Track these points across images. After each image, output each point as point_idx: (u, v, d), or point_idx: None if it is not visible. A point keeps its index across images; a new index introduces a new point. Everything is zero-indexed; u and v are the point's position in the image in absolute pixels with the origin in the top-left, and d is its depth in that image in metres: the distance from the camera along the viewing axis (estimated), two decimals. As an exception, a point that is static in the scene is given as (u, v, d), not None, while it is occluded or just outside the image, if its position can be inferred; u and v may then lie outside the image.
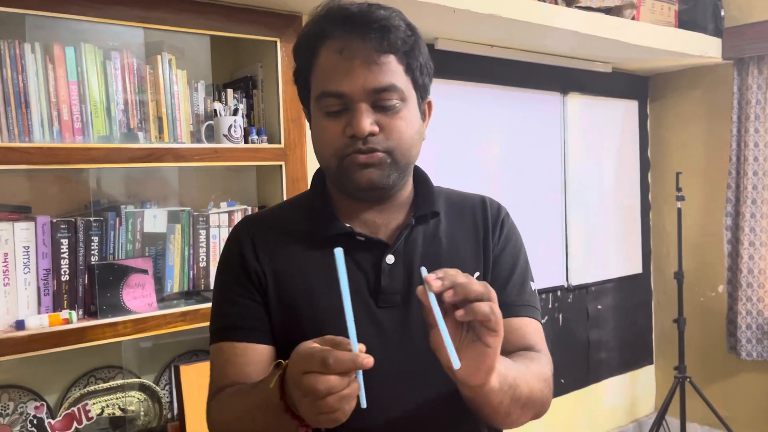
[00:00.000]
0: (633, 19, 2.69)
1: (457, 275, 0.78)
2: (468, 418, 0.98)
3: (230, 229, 1.91)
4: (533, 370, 0.93)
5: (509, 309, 1.01)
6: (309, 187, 1.08)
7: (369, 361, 0.72)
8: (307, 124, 1.98)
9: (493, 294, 0.78)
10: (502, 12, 2.09)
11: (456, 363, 0.74)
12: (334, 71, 0.91)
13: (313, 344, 0.76)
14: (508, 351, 0.96)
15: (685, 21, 2.93)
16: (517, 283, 1.03)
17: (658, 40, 2.73)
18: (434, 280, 0.77)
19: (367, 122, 0.91)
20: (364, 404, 0.74)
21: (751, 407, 3.11)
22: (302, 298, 0.96)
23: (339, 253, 0.77)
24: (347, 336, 0.75)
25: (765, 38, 2.85)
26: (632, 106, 3.34)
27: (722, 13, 2.99)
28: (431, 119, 1.04)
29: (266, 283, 0.98)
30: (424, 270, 0.80)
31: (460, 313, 0.77)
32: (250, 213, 1.95)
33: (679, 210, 3.02)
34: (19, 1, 1.52)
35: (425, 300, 0.77)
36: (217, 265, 1.07)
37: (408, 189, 1.04)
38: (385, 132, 0.92)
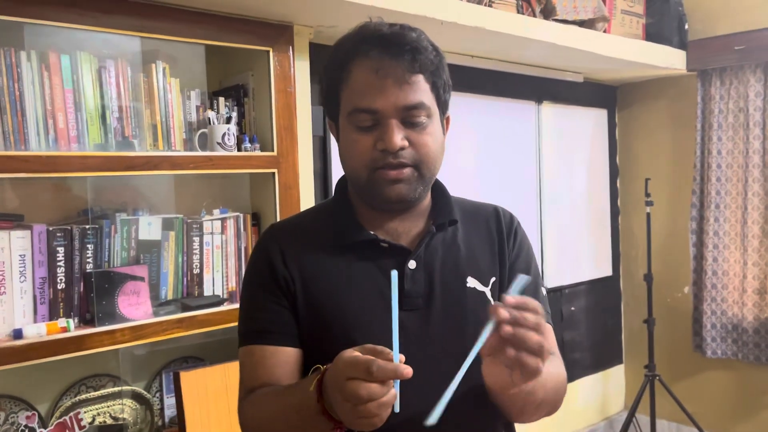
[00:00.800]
0: (605, 31, 2.80)
1: (527, 317, 0.81)
2: (488, 417, 1.03)
3: (223, 236, 1.93)
4: (551, 372, 0.98)
5: None
6: (332, 196, 1.13)
7: (409, 371, 0.77)
8: (300, 132, 2.02)
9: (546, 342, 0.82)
10: (487, 25, 2.16)
11: (433, 419, 0.77)
12: (368, 89, 0.96)
13: (356, 352, 0.80)
14: None
15: (652, 34, 3.06)
16: (531, 289, 1.08)
17: (628, 51, 2.84)
18: (505, 310, 0.81)
19: (399, 137, 0.96)
20: (397, 409, 0.80)
21: (716, 403, 3.25)
22: (330, 303, 1.00)
23: (394, 275, 0.82)
24: (378, 340, 0.80)
25: (727, 51, 2.99)
26: (602, 114, 3.46)
27: (686, 27, 3.13)
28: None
29: (294, 289, 1.01)
30: (522, 278, 0.86)
31: (511, 353, 0.82)
32: (243, 220, 1.97)
33: (648, 215, 3.14)
34: (16, 9, 1.52)
35: (498, 315, 0.81)
36: (245, 270, 1.10)
37: (427, 198, 1.09)
38: (414, 147, 0.98)
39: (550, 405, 1.01)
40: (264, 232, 1.10)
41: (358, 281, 1.01)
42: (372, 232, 1.04)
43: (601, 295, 3.48)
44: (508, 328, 0.80)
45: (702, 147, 3.15)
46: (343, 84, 1.00)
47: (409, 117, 0.97)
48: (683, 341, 3.31)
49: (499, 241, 1.10)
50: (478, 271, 1.06)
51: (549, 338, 1.08)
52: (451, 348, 0.99)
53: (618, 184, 3.58)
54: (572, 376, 3.30)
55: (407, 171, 0.98)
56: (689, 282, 3.24)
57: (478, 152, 2.83)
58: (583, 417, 3.38)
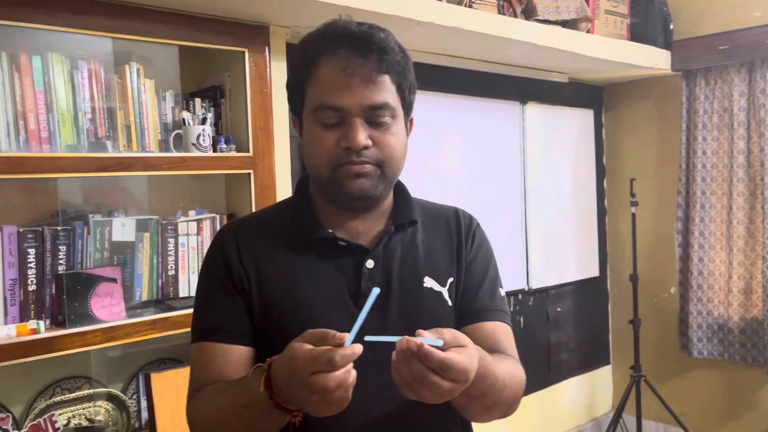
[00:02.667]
0: (588, 32, 2.80)
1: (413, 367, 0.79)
2: (444, 415, 1.03)
3: (199, 237, 1.93)
4: (506, 376, 0.98)
5: (482, 314, 1.07)
6: (292, 194, 1.12)
7: (360, 348, 0.78)
8: (277, 133, 2.02)
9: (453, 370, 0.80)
10: (464, 25, 2.16)
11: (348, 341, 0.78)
12: (335, 86, 0.97)
13: (305, 346, 0.80)
14: None
15: (637, 34, 3.06)
16: (488, 289, 1.10)
17: (612, 52, 2.84)
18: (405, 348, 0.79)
19: (363, 136, 0.96)
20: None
21: (702, 403, 3.25)
22: (286, 302, 1.00)
23: (375, 292, 0.81)
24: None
25: (711, 51, 2.99)
26: (588, 114, 3.46)
27: (671, 27, 3.13)
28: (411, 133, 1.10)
29: (250, 286, 1.01)
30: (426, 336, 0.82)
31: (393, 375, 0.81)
32: (219, 221, 1.97)
33: (633, 215, 3.14)
34: (-15, 10, 1.52)
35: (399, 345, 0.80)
36: (201, 265, 1.10)
37: (389, 198, 1.09)
38: (378, 146, 0.98)
39: (504, 407, 1.01)
40: (221, 229, 1.10)
41: (315, 280, 1.01)
42: (330, 231, 1.03)
43: (588, 295, 3.48)
44: (393, 356, 0.80)
45: (687, 147, 3.15)
46: (309, 79, 1.00)
47: (374, 117, 0.98)
48: (670, 341, 3.31)
49: (457, 242, 1.10)
50: (435, 271, 1.06)
51: (506, 338, 1.08)
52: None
53: (605, 185, 3.58)
54: (559, 377, 3.30)
55: (369, 167, 0.98)
56: (675, 282, 3.23)
57: (461, 153, 2.83)
58: (570, 418, 3.37)
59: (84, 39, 1.72)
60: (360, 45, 0.97)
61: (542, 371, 3.20)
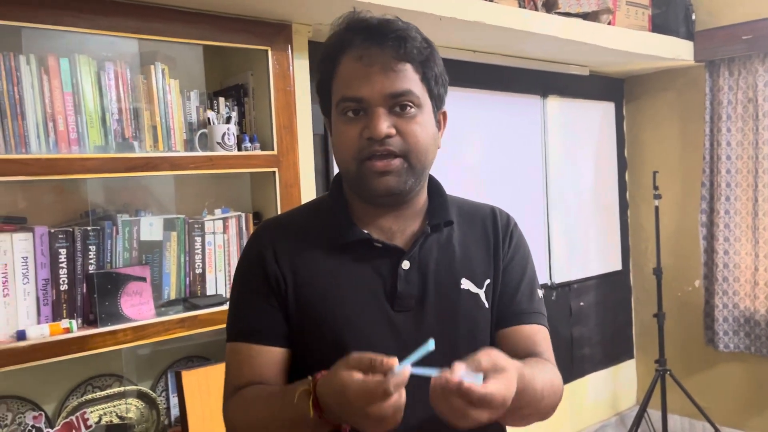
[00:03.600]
0: (609, 23, 2.77)
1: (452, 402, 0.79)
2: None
3: (224, 235, 1.94)
4: (544, 383, 0.97)
5: (520, 317, 1.06)
6: (327, 192, 1.12)
7: (409, 368, 0.78)
8: (300, 131, 2.02)
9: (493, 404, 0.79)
10: (486, 19, 2.15)
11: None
12: (354, 77, 0.96)
13: (354, 375, 0.79)
14: (518, 357, 0.99)
15: (658, 25, 3.03)
16: (526, 292, 1.08)
17: (633, 43, 2.81)
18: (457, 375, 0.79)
19: (384, 125, 0.95)
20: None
21: (729, 397, 3.21)
22: (321, 303, 1.00)
23: (431, 344, 0.80)
24: (368, 340, 0.82)
25: (734, 41, 2.95)
26: (609, 107, 3.43)
27: (693, 17, 3.09)
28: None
29: (285, 288, 1.01)
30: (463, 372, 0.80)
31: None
32: (244, 219, 1.98)
33: (657, 208, 3.11)
34: (15, 13, 1.54)
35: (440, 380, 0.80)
36: (236, 265, 1.10)
37: (423, 197, 1.08)
38: (402, 135, 0.96)
39: (541, 414, 1.00)
40: (257, 228, 1.10)
41: (351, 282, 1.00)
42: (366, 231, 1.02)
43: (611, 289, 3.45)
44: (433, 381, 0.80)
45: (711, 139, 3.11)
46: (333, 78, 1.00)
47: (396, 105, 0.96)
48: (695, 335, 3.28)
49: (494, 243, 1.09)
50: (472, 272, 1.05)
51: (544, 341, 1.07)
52: (443, 349, 0.98)
53: (626, 178, 3.55)
54: (582, 372, 3.28)
55: (396, 162, 0.96)
56: (700, 275, 3.20)
57: (483, 148, 2.82)
58: (594, 412, 3.35)
59: (110, 40, 1.73)
60: (377, 34, 0.96)
61: (565, 366, 3.19)
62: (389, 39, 0.95)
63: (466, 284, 1.04)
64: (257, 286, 1.02)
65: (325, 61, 1.01)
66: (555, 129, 3.11)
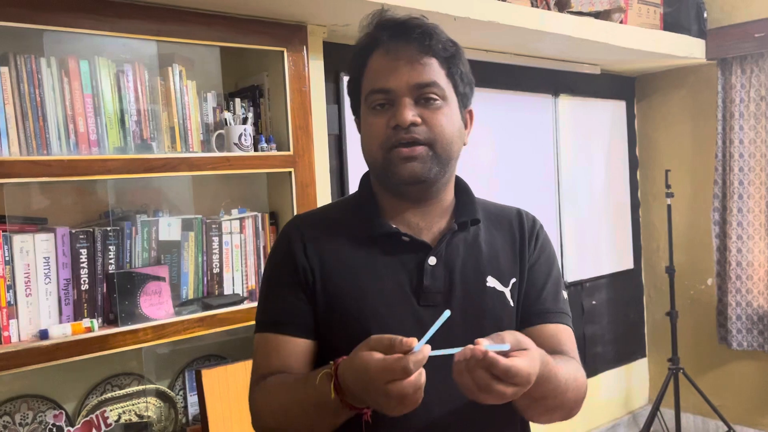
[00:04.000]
0: (621, 22, 2.77)
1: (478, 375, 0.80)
2: (505, 413, 1.03)
3: (241, 235, 1.96)
4: (569, 379, 0.98)
5: (545, 316, 1.07)
6: (357, 189, 1.14)
7: (427, 350, 0.80)
8: (315, 132, 2.04)
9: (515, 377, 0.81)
10: (500, 19, 2.16)
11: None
12: (381, 71, 1.00)
13: (375, 355, 0.81)
14: None
15: (670, 23, 3.02)
16: (551, 291, 1.09)
17: (645, 42, 2.81)
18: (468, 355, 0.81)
19: (410, 113, 0.98)
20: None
21: (742, 395, 3.21)
22: (349, 295, 1.01)
23: (446, 314, 0.82)
24: (394, 334, 0.82)
25: (747, 39, 2.95)
26: (620, 106, 3.43)
27: (705, 15, 3.09)
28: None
29: (314, 280, 1.03)
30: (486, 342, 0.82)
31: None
32: (261, 219, 2.00)
33: (669, 206, 3.11)
34: (35, 17, 1.55)
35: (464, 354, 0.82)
36: (267, 257, 1.12)
37: (450, 196, 1.10)
38: (427, 124, 0.99)
39: (565, 410, 1.01)
40: (288, 222, 1.12)
41: (378, 275, 1.02)
42: (394, 226, 1.04)
43: (623, 288, 3.45)
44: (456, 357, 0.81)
45: (723, 137, 3.10)
46: (362, 75, 1.03)
47: (422, 96, 0.99)
48: (708, 333, 3.27)
49: (520, 243, 1.10)
50: (498, 271, 1.06)
51: (568, 340, 1.08)
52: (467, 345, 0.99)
53: (638, 176, 3.54)
54: (595, 370, 3.28)
55: (420, 149, 0.99)
56: (713, 274, 3.20)
57: (495, 147, 2.83)
58: (606, 411, 3.35)
59: (129, 43, 1.75)
60: (404, 30, 1.00)
61: (578, 365, 3.19)
62: (415, 34, 0.99)
63: (492, 282, 1.05)
64: (286, 278, 1.04)
65: (356, 61, 1.04)
66: (566, 128, 3.12)
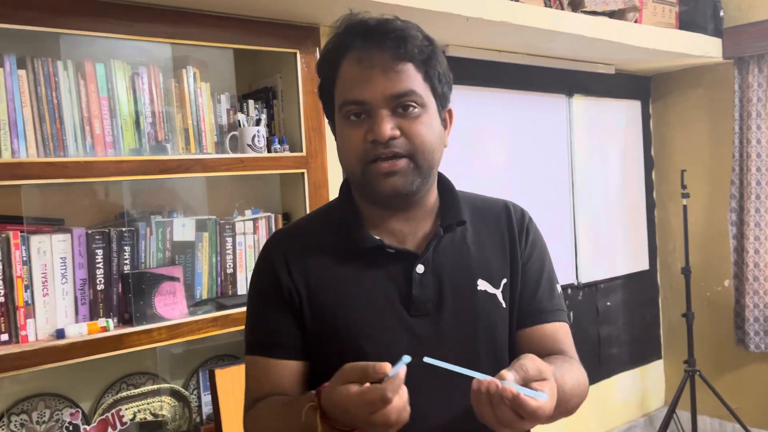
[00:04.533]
0: (636, 21, 2.75)
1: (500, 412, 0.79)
2: None
3: (255, 236, 1.97)
4: (568, 383, 0.96)
5: (542, 315, 1.05)
6: (337, 197, 1.10)
7: (404, 369, 0.78)
8: (328, 133, 2.04)
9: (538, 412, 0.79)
10: (513, 19, 2.15)
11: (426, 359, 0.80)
12: (355, 80, 0.95)
13: (351, 388, 0.79)
14: (541, 355, 0.99)
15: (686, 22, 2.99)
16: (546, 288, 1.07)
17: (660, 41, 2.79)
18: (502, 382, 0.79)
19: (388, 126, 0.93)
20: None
21: (760, 398, 3.17)
22: (336, 312, 0.99)
23: (405, 358, 0.79)
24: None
25: (764, 37, 2.91)
26: (635, 106, 3.41)
27: (722, 14, 3.05)
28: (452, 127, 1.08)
29: (300, 300, 1.00)
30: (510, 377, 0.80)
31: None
32: (274, 220, 2.01)
33: (685, 207, 3.08)
34: (52, 21, 1.58)
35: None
36: (251, 277, 1.09)
37: (433, 197, 1.06)
38: (407, 136, 0.95)
39: (565, 413, 0.99)
40: (268, 240, 1.09)
41: (366, 290, 0.99)
42: (377, 237, 1.01)
43: (638, 289, 3.42)
44: (474, 385, 0.80)
45: (740, 136, 3.07)
46: (335, 81, 0.98)
47: (399, 106, 0.94)
48: (724, 335, 3.24)
49: (510, 240, 1.07)
50: (488, 273, 1.03)
51: (566, 338, 1.07)
52: (463, 352, 0.98)
53: (653, 177, 3.51)
54: (610, 372, 3.26)
55: (401, 162, 0.94)
56: (730, 275, 3.16)
57: (508, 148, 2.82)
58: (621, 413, 3.33)
59: (144, 46, 1.77)
60: (375, 35, 0.95)
61: (592, 366, 3.17)
62: (388, 39, 0.94)
63: (482, 285, 1.02)
64: (271, 299, 1.02)
65: (326, 65, 1.00)
66: (580, 128, 3.10)
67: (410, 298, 0.99)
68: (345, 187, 1.08)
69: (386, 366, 0.78)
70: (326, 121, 1.08)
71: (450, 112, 1.06)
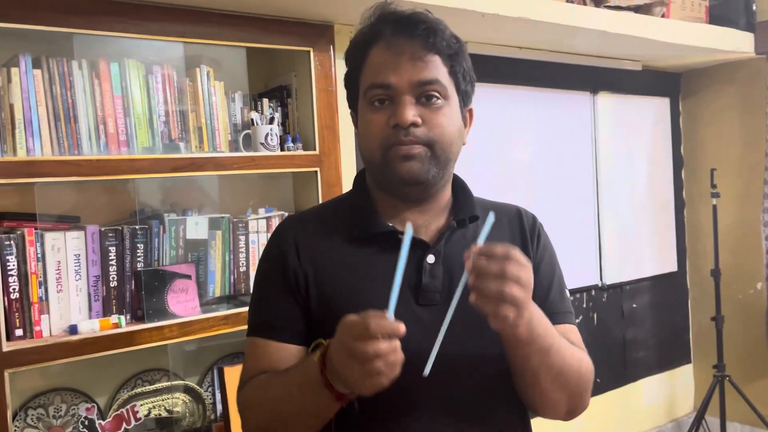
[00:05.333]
0: (663, 16, 2.68)
1: (489, 266, 0.83)
2: (508, 409, 1.01)
3: (269, 234, 1.97)
4: (570, 347, 0.97)
5: (553, 317, 1.03)
6: (351, 188, 1.12)
7: (401, 328, 0.80)
8: (342, 131, 2.03)
9: (520, 273, 0.83)
10: (530, 15, 2.11)
11: (426, 370, 0.83)
12: (383, 65, 0.98)
13: (351, 315, 0.83)
14: None
15: (717, 16, 2.91)
16: (557, 292, 1.07)
17: (689, 36, 2.71)
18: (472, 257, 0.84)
19: (410, 113, 0.95)
20: (426, 372, 0.84)
21: (793, 405, 3.06)
22: (344, 297, 1.00)
23: (409, 227, 0.84)
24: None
25: (799, 31, 2.81)
26: (664, 103, 3.32)
27: (754, 8, 2.96)
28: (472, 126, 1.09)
29: (307, 284, 1.01)
30: (490, 217, 0.88)
31: (471, 297, 0.85)
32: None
33: (714, 207, 2.99)
34: (66, 21, 1.60)
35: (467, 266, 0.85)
36: (259, 259, 1.11)
37: (447, 193, 1.08)
38: (427, 125, 0.97)
39: (572, 393, 0.98)
40: (280, 223, 1.10)
41: (374, 275, 1.00)
42: (390, 224, 1.02)
43: (666, 291, 3.34)
44: (470, 280, 0.84)
45: (774, 134, 2.97)
46: (361, 68, 1.01)
47: (423, 94, 0.97)
48: (756, 339, 3.13)
49: (522, 242, 1.08)
50: None
51: (577, 340, 1.06)
52: (469, 345, 0.98)
53: (683, 176, 3.42)
54: (635, 376, 3.18)
55: (419, 148, 0.97)
56: (762, 277, 3.06)
57: (531, 146, 2.77)
58: (648, 418, 3.25)
59: (157, 45, 1.78)
60: (407, 25, 0.98)
61: (617, 369, 3.10)
62: (419, 30, 0.97)
63: None
64: (277, 282, 1.03)
65: (354, 53, 1.02)
66: (606, 126, 3.03)
67: (419, 287, 0.99)
68: (359, 178, 1.11)
69: (389, 313, 0.81)
70: (340, 118, 1.09)
71: (471, 111, 1.09)
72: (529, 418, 1.09)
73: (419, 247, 1.02)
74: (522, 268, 0.83)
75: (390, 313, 0.81)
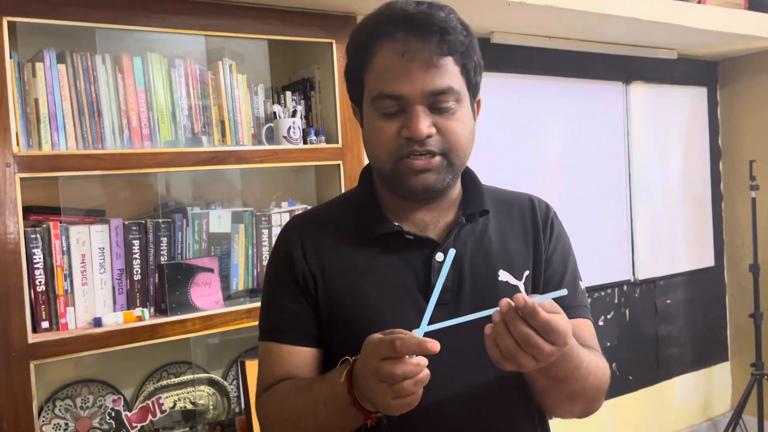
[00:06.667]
0: (699, 2, 2.59)
1: (516, 326, 0.78)
2: (516, 410, 0.99)
3: (291, 228, 1.96)
4: (591, 366, 0.93)
5: (565, 310, 1.01)
6: (357, 185, 1.09)
7: (434, 345, 0.76)
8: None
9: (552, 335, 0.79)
10: (558, 2, 2.06)
11: (420, 333, 0.79)
12: (393, 73, 0.92)
13: (376, 334, 0.80)
14: None
15: (756, 2, 2.80)
16: (570, 284, 1.03)
17: (727, 23, 2.62)
18: (511, 302, 0.79)
19: (425, 125, 0.91)
20: (420, 333, 0.80)
21: (836, 406, 2.94)
22: (351, 298, 0.98)
23: (451, 254, 0.80)
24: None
25: None
26: (701, 92, 3.21)
27: (797, -8, 2.84)
28: (480, 115, 1.05)
29: (315, 285, 0.99)
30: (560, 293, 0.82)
31: (487, 330, 0.81)
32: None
33: (754, 200, 2.89)
34: (89, 15, 1.61)
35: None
36: (267, 262, 1.09)
37: (457, 188, 1.04)
38: (442, 134, 0.93)
39: (587, 399, 0.95)
40: (286, 225, 1.08)
41: (382, 275, 0.98)
42: (396, 224, 0.99)
43: (703, 287, 3.24)
44: (487, 329, 0.80)
45: (817, 124, 2.85)
46: (367, 67, 0.96)
47: (437, 102, 0.92)
48: (797, 338, 3.02)
49: (534, 234, 1.04)
50: (510, 264, 1.01)
51: (590, 335, 1.03)
52: (480, 344, 0.94)
53: (720, 168, 3.31)
54: (670, 373, 3.10)
55: (436, 160, 0.93)
56: (804, 273, 2.95)
57: (561, 138, 2.71)
58: (683, 416, 3.16)
59: (180, 38, 1.78)
60: (419, 27, 0.91)
61: (650, 367, 3.02)
62: (432, 32, 0.91)
63: (504, 276, 1.00)
64: (286, 285, 1.01)
65: (360, 49, 0.96)
66: (639, 117, 2.95)
67: (428, 286, 0.97)
68: (365, 175, 1.07)
69: (419, 332, 0.78)
70: (352, 106, 1.05)
71: (479, 101, 1.04)
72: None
73: (427, 245, 0.99)
74: (555, 340, 0.79)
75: (421, 331, 0.79)
